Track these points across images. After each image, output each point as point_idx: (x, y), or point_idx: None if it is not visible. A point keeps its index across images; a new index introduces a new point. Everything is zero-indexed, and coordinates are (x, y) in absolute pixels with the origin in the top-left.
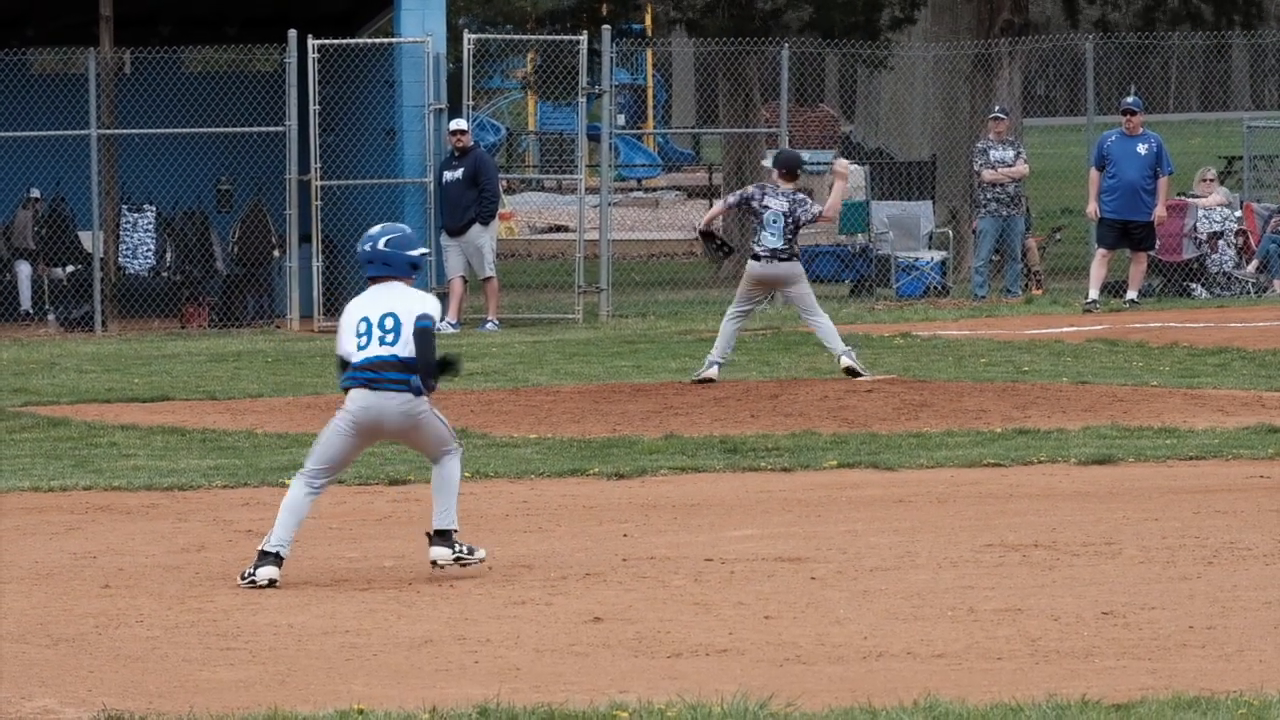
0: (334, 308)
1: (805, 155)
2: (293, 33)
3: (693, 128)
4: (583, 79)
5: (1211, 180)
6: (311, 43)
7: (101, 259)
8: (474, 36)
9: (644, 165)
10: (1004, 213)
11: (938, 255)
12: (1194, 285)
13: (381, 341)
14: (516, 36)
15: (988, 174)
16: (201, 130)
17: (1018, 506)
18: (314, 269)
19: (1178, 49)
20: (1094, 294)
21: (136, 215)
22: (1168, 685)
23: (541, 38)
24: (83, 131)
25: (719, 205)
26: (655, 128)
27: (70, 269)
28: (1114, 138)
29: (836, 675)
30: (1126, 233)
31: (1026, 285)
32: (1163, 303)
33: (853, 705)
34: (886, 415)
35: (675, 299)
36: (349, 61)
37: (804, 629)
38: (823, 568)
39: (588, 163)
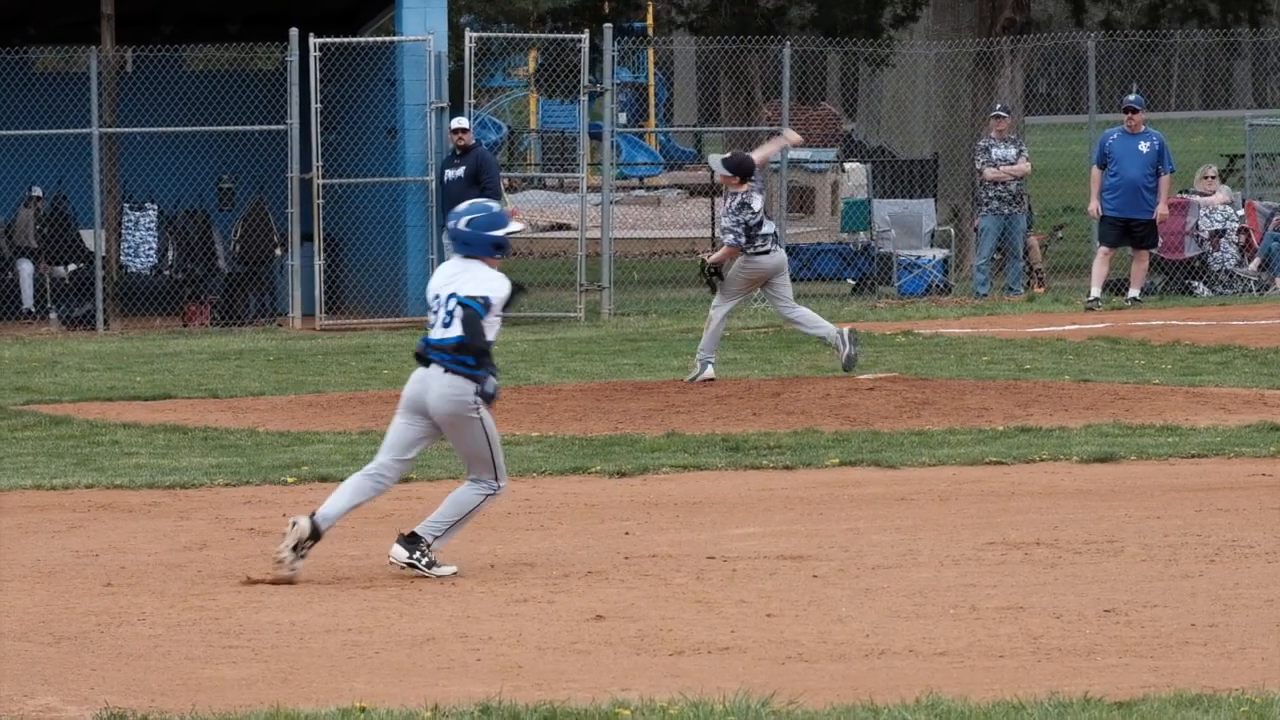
0: (336, 306)
1: (807, 154)
2: (294, 31)
3: (694, 126)
4: (584, 77)
5: (1213, 178)
6: (313, 41)
7: (103, 257)
8: (476, 35)
9: (646, 163)
10: (1006, 211)
11: (940, 253)
12: (1196, 283)
13: (444, 324)
14: (518, 35)
15: (989, 172)
16: (203, 129)
17: (1020, 504)
18: (316, 267)
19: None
20: (1096, 292)
21: (138, 214)
22: (1170, 683)
23: (543, 36)
24: (84, 130)
25: (725, 250)
26: (657, 126)
27: (72, 267)
28: (1116, 136)
29: (838, 673)
30: (1128, 231)
31: (1028, 283)
32: (1165, 301)
33: (855, 703)
34: (888, 413)
35: (677, 297)
36: (351, 60)
37: (806, 627)
38: (825, 566)
39: (589, 161)
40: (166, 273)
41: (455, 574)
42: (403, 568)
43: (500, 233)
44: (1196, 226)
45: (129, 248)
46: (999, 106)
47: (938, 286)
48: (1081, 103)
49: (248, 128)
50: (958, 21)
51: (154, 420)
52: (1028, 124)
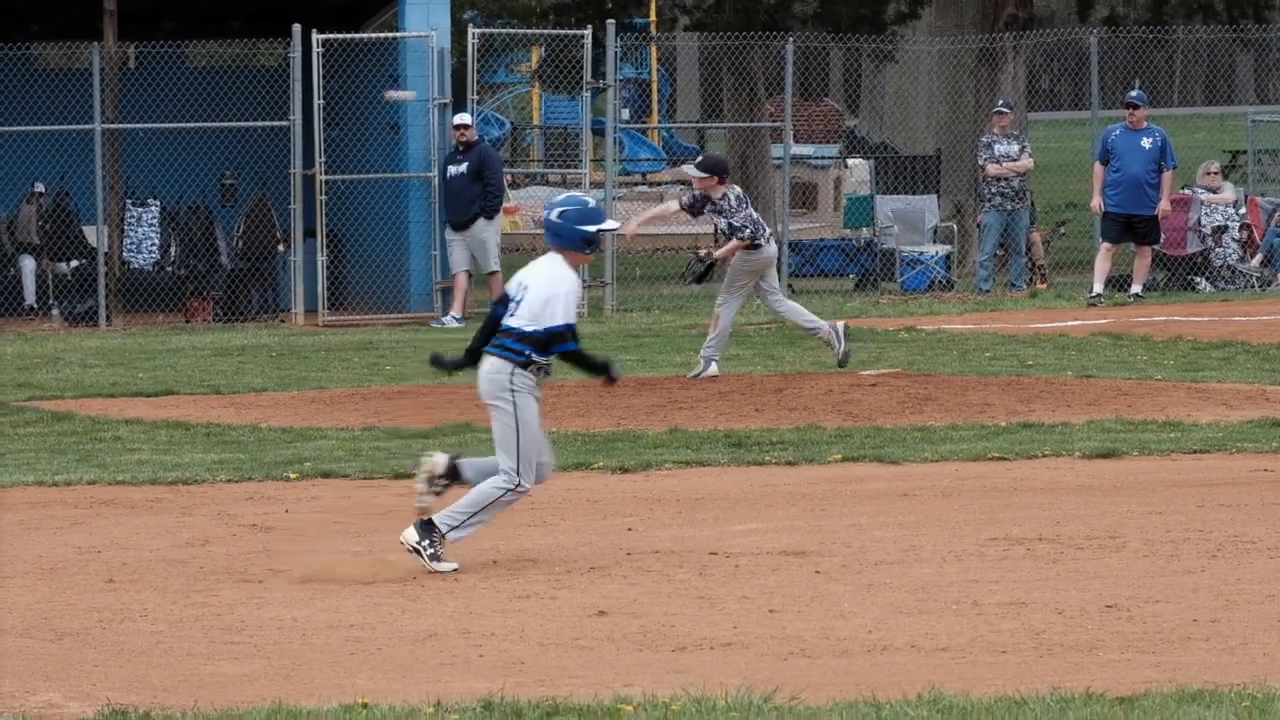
0: (338, 302)
1: (810, 150)
2: (297, 27)
3: (697, 122)
4: (587, 73)
5: (1216, 174)
6: (316, 37)
7: (105, 253)
8: (478, 31)
9: (648, 159)
10: (1008, 207)
11: (942, 249)
12: (1198, 279)
13: (512, 314)
14: (521, 31)
15: (992, 168)
16: (206, 125)
17: (1022, 500)
18: (318, 263)
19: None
20: (1098, 288)
21: (141, 210)
22: (1171, 678)
23: (546, 32)
24: (87, 126)
25: (735, 245)
26: (660, 122)
27: (74, 263)
28: (1118, 132)
29: (840, 669)
30: (1131, 227)
31: (1031, 279)
32: (1167, 296)
33: (857, 699)
34: (891, 409)
35: (680, 293)
36: (353, 56)
37: (808, 623)
38: (827, 561)
39: (592, 157)
40: (169, 269)
41: (455, 570)
42: (409, 550)
43: (593, 228)
44: (1199, 223)
45: (131, 244)
46: (1001, 103)
47: (940, 282)
48: (1084, 99)
49: (251, 124)
50: (960, 18)
51: (156, 416)
52: (1030, 120)
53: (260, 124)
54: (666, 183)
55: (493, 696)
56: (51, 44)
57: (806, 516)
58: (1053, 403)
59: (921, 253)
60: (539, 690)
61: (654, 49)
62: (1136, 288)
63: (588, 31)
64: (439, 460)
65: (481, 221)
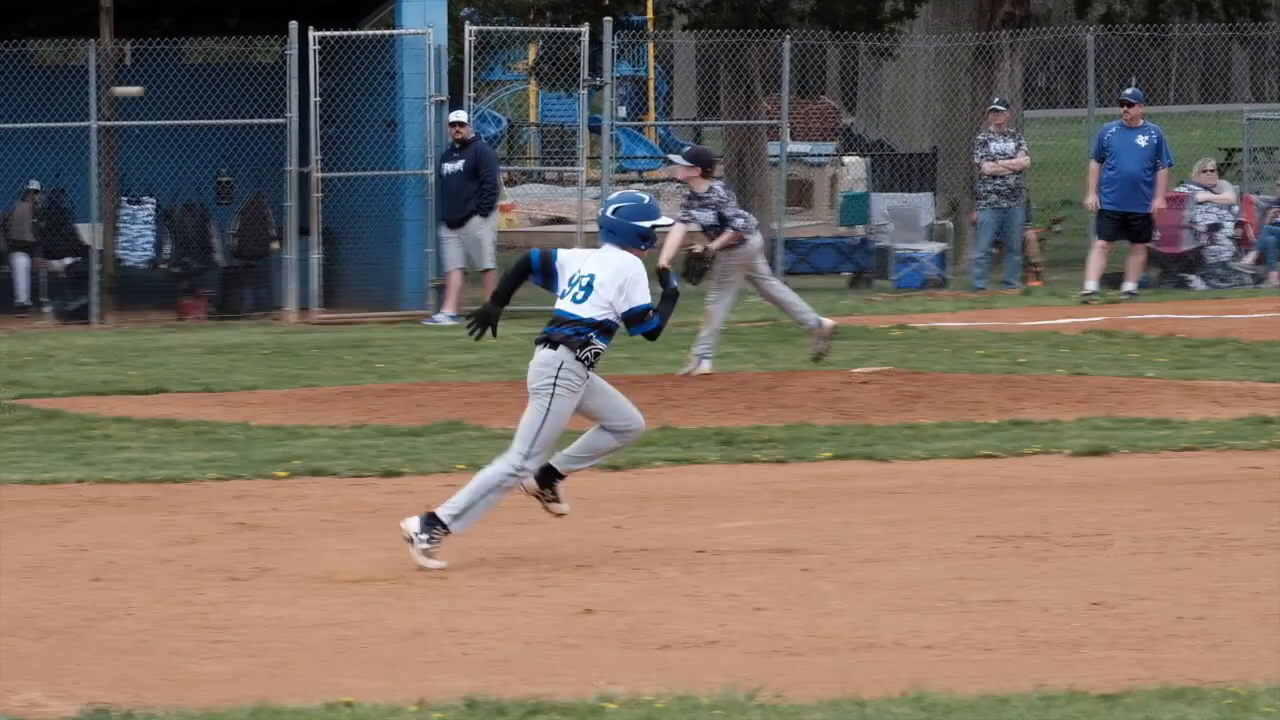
0: (332, 300)
1: (806, 147)
2: (294, 24)
3: (694, 120)
4: (584, 71)
5: (1212, 171)
6: (312, 34)
7: (99, 251)
8: (475, 28)
9: (645, 157)
10: (1004, 204)
11: (937, 247)
12: (1192, 277)
13: (574, 299)
14: (518, 28)
15: (988, 166)
16: (202, 122)
17: (1011, 498)
18: (312, 261)
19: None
20: (1092, 285)
21: (135, 207)
22: (1155, 675)
23: (543, 30)
24: (82, 123)
25: (731, 235)
26: (656, 119)
27: (68, 261)
28: (1114, 129)
29: (826, 666)
30: (1125, 224)
31: (1025, 277)
32: (1160, 294)
33: (841, 696)
34: (882, 407)
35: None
36: (350, 53)
37: (794, 620)
38: (815, 559)
39: (589, 154)
40: (163, 266)
41: (442, 568)
42: (405, 538)
43: (647, 223)
44: (1193, 220)
45: (125, 241)
46: (997, 100)
47: (934, 280)
48: (1080, 96)
49: (247, 121)
50: (957, 15)
51: (146, 414)
52: (1026, 118)
53: (257, 121)
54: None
55: (477, 694)
56: (48, 41)
57: (795, 514)
58: (1044, 400)
59: (916, 250)
60: (523, 688)
61: (651, 46)
62: (1130, 285)
63: (585, 29)
64: (410, 524)
65: (476, 219)
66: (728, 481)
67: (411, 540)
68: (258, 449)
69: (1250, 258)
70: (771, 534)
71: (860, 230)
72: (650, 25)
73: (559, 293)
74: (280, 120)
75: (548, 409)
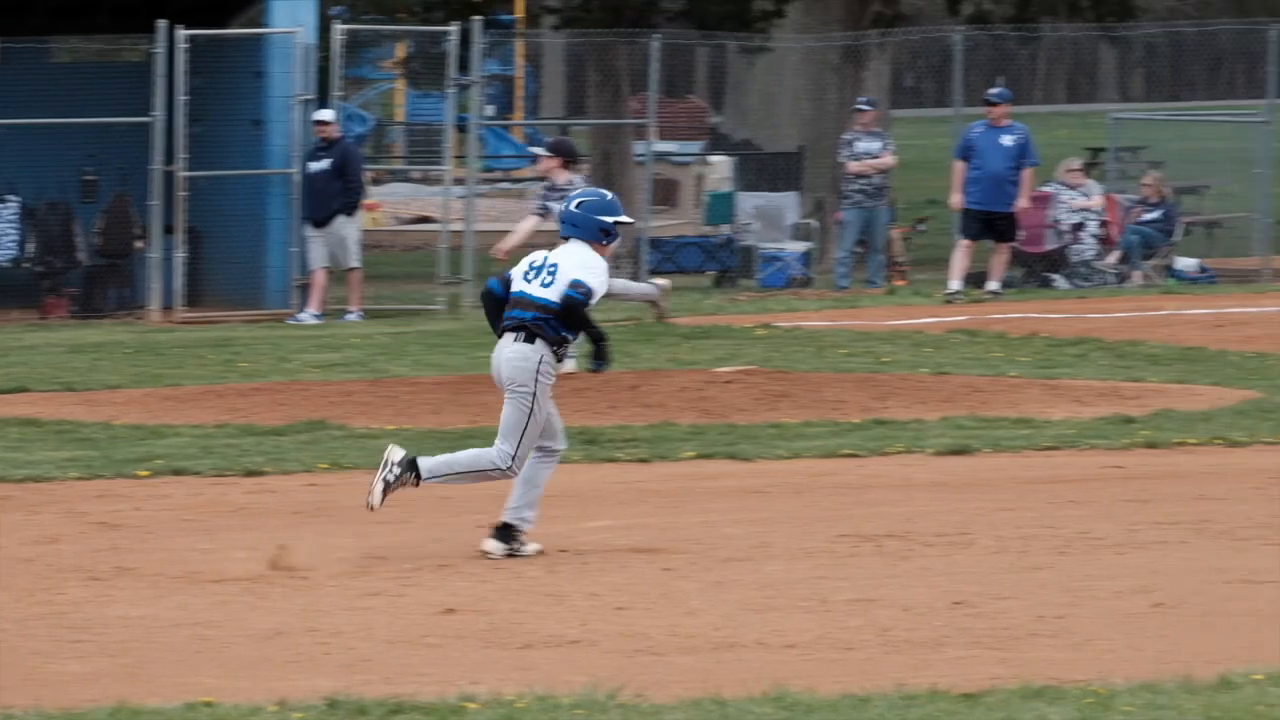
0: (197, 298)
1: (673, 146)
2: (162, 23)
3: (561, 118)
4: (452, 70)
5: (1078, 170)
6: (180, 33)
7: None
8: (343, 27)
9: (512, 156)
10: (868, 204)
11: (802, 246)
12: (1055, 276)
13: (541, 284)
14: (386, 27)
15: (853, 165)
16: (67, 120)
17: (874, 497)
18: (176, 260)
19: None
20: (955, 285)
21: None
22: (1016, 674)
23: (412, 29)
24: None
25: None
26: (524, 118)
27: None
28: (980, 129)
29: (687, 666)
30: (990, 223)
31: (889, 276)
32: (1024, 293)
33: (702, 696)
34: (745, 406)
35: None
36: (218, 52)
37: (656, 620)
38: (677, 559)
39: (455, 154)
40: (26, 265)
41: (377, 506)
42: (497, 555)
43: (610, 219)
44: (1057, 220)
45: None
46: (862, 100)
47: (799, 279)
48: (948, 96)
49: (113, 120)
50: (826, 15)
51: (7, 414)
52: (893, 117)
53: (123, 120)
54: (529, 179)
55: (338, 694)
56: None
57: (658, 514)
58: (907, 399)
59: (781, 249)
60: (384, 688)
61: (520, 45)
62: (994, 284)
63: (454, 28)
64: (394, 453)
65: (342, 218)
66: (591, 481)
67: (389, 483)
68: (120, 448)
69: (1114, 257)
70: (634, 533)
71: (725, 229)
72: (520, 24)
73: (523, 278)
74: (147, 119)
75: (531, 410)
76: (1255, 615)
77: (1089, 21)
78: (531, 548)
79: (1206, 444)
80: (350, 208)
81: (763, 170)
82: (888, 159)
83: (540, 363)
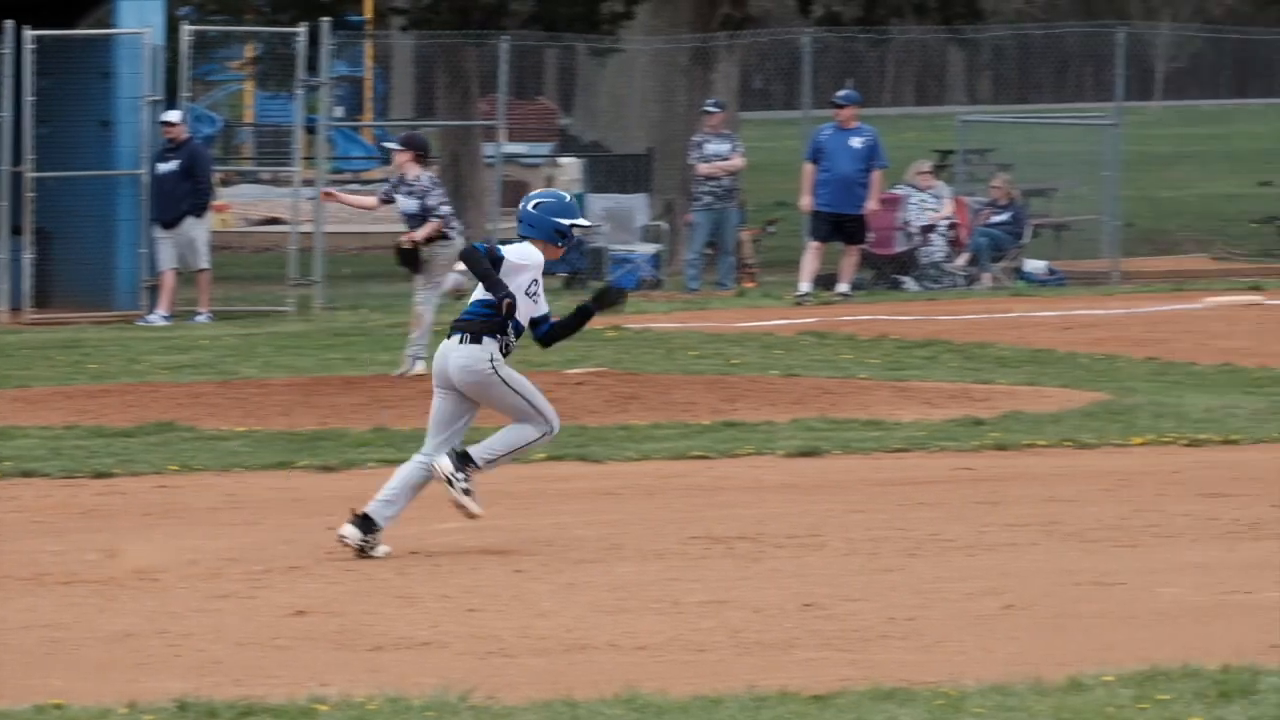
0: (45, 300)
1: (522, 148)
2: (9, 23)
3: (410, 120)
4: (300, 71)
5: (928, 173)
6: (27, 33)
7: None
8: (191, 28)
9: (360, 158)
10: (718, 206)
11: (652, 248)
12: (905, 278)
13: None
14: (235, 28)
15: (703, 167)
16: None
17: (724, 499)
18: (24, 261)
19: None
20: (805, 287)
21: None
22: (867, 676)
23: (261, 30)
24: None
25: (436, 225)
26: (373, 120)
27: None
28: (829, 131)
29: (539, 668)
30: (839, 226)
31: (739, 278)
32: (873, 295)
33: (554, 698)
34: (596, 408)
35: (387, 292)
36: (66, 52)
37: (507, 622)
38: (528, 560)
39: (304, 155)
40: None
41: (477, 516)
42: (443, 479)
43: (566, 221)
44: (907, 222)
45: None
46: (711, 102)
47: (649, 281)
48: (797, 99)
49: None
50: (675, 17)
51: None
52: (743, 119)
53: None
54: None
55: (188, 696)
56: None
57: (509, 515)
58: (757, 401)
59: (631, 251)
60: (235, 690)
61: (369, 46)
62: (843, 286)
63: (302, 29)
64: (351, 532)
65: (190, 219)
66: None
67: (449, 481)
68: None
69: (963, 259)
70: (485, 535)
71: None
72: (368, 25)
73: None
74: None
75: (510, 385)
76: (1105, 617)
77: (936, 24)
78: (381, 550)
79: (1056, 446)
80: (199, 209)
81: (612, 172)
82: (737, 161)
83: (491, 359)
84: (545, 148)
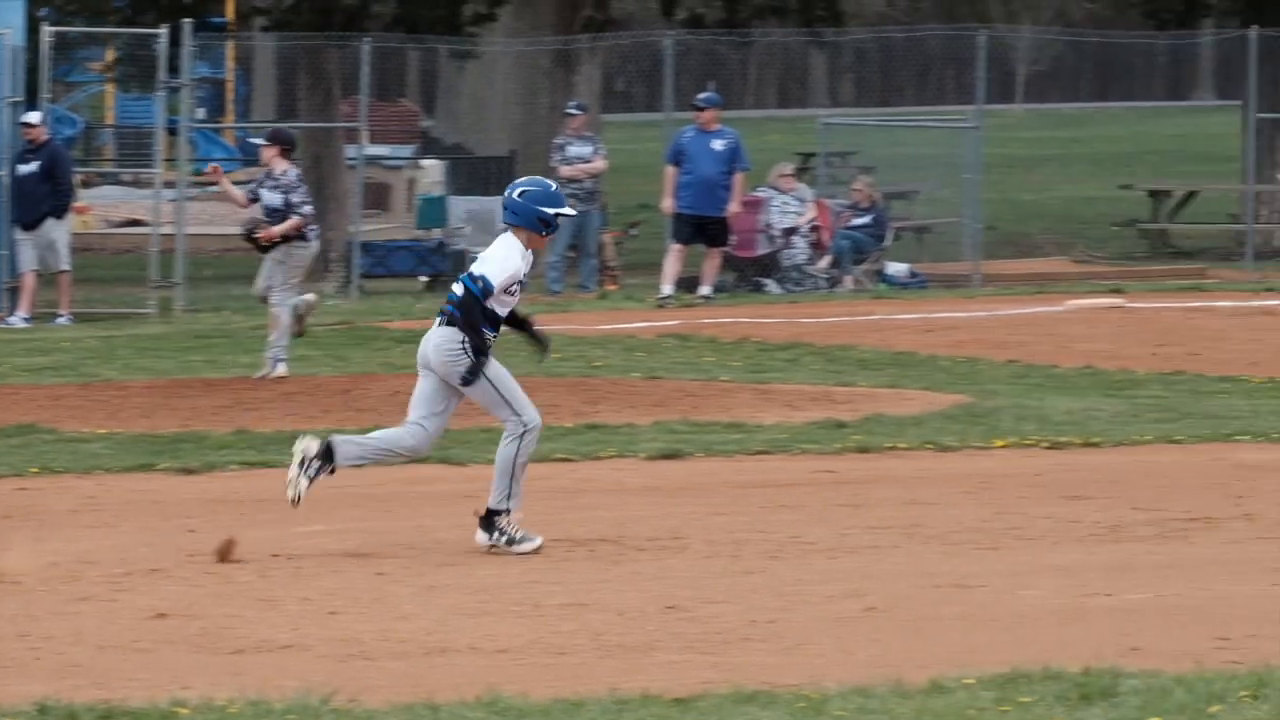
0: None
1: (384, 150)
2: None
3: (272, 121)
4: (162, 72)
5: (790, 175)
6: None
7: None
8: (52, 29)
9: (223, 159)
10: (580, 208)
11: None
12: (767, 280)
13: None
14: (97, 30)
15: (565, 170)
16: None
17: (586, 501)
18: None
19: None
20: (667, 289)
21: None
22: (728, 679)
23: (122, 31)
24: None
25: (298, 221)
26: (235, 121)
27: None
28: (690, 133)
29: (400, 671)
30: (701, 228)
31: (601, 280)
32: (736, 298)
33: (415, 700)
34: (458, 410)
35: (249, 294)
36: None
37: (369, 624)
38: (389, 563)
39: (165, 156)
40: None
41: (538, 545)
42: (488, 549)
43: (551, 210)
44: (769, 224)
45: None
46: (573, 104)
47: None
48: (659, 101)
49: None
50: (537, 19)
51: None
52: (605, 122)
53: None
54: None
55: (48, 699)
56: None
57: (371, 518)
58: (619, 404)
59: None
60: (95, 693)
61: (230, 48)
62: (705, 289)
63: (163, 30)
64: (311, 444)
65: (51, 221)
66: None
67: (494, 548)
68: None
69: (825, 262)
70: (346, 538)
71: (438, 233)
72: (230, 27)
73: None
74: None
75: (489, 379)
76: (966, 619)
77: (798, 26)
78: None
79: (917, 449)
80: (60, 210)
81: (475, 174)
82: (599, 163)
83: (464, 341)
84: (408, 150)
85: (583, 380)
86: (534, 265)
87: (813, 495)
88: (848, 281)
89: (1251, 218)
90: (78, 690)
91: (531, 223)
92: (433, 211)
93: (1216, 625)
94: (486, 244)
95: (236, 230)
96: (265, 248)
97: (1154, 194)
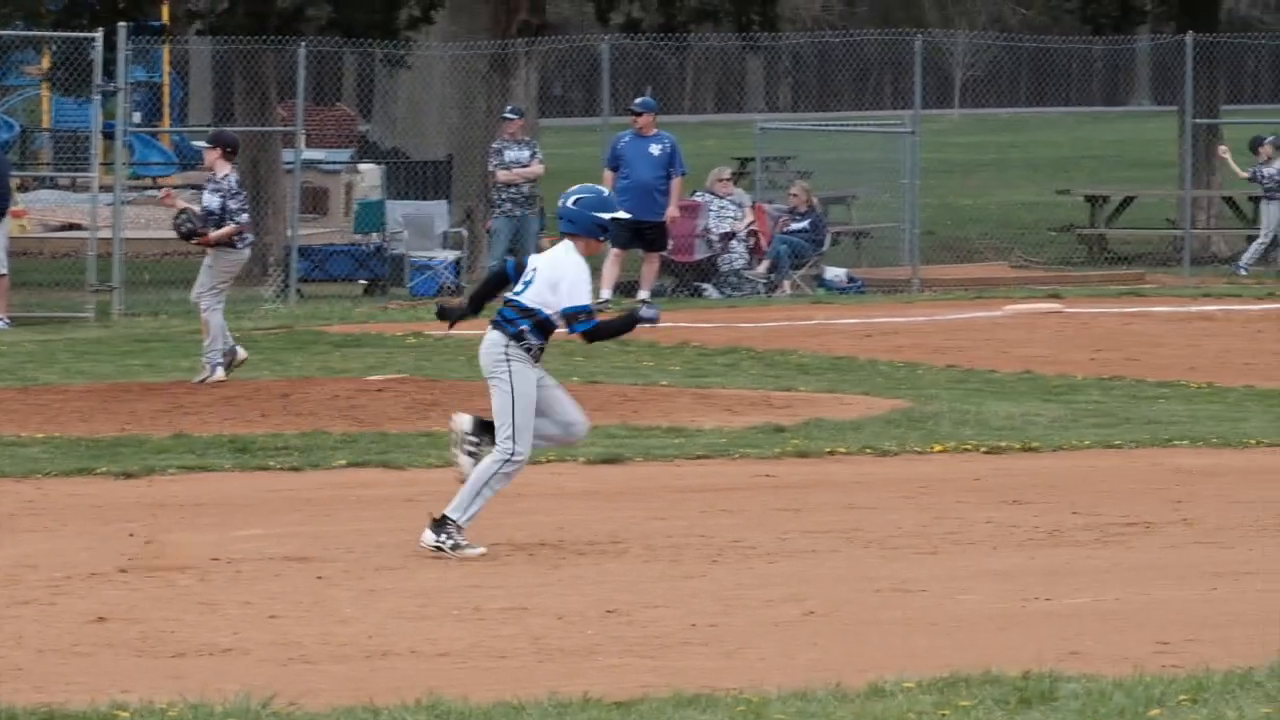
0: None
1: (322, 154)
2: None
3: (209, 125)
4: (97, 76)
5: (728, 180)
6: None
7: None
8: None
9: (159, 163)
10: (518, 213)
11: (452, 255)
12: (706, 285)
13: (518, 289)
14: (31, 33)
15: (502, 174)
16: None
17: (526, 505)
18: None
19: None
20: (606, 293)
21: None
22: (669, 683)
23: (57, 34)
24: None
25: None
26: (171, 125)
27: None
28: (627, 138)
29: (340, 674)
30: (639, 233)
31: None
32: (674, 302)
33: (355, 704)
34: (397, 414)
35: (188, 298)
36: None
37: (309, 628)
38: (330, 567)
39: (102, 160)
40: None
41: (482, 554)
42: (431, 553)
43: (606, 215)
44: (707, 229)
45: None
46: (509, 108)
47: (449, 288)
48: (596, 105)
49: None
50: (474, 23)
51: None
52: (542, 126)
53: None
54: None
55: None
56: None
57: (311, 522)
58: None
59: (431, 258)
60: (35, 697)
61: (167, 52)
62: (644, 293)
63: (99, 34)
64: (463, 420)
65: None
66: (242, 489)
67: (439, 549)
68: None
69: (763, 266)
70: (286, 542)
71: (375, 238)
72: (166, 30)
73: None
74: None
75: (511, 389)
76: (906, 623)
77: (733, 31)
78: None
79: (857, 453)
80: None
81: (412, 178)
82: (536, 168)
83: (507, 347)
84: (345, 154)
85: None
86: (471, 269)
87: (752, 500)
88: (786, 286)
89: (1188, 223)
90: (17, 694)
91: (589, 229)
92: (371, 216)
93: (1155, 630)
94: (425, 248)
95: (174, 234)
96: (185, 236)
97: (1091, 199)
